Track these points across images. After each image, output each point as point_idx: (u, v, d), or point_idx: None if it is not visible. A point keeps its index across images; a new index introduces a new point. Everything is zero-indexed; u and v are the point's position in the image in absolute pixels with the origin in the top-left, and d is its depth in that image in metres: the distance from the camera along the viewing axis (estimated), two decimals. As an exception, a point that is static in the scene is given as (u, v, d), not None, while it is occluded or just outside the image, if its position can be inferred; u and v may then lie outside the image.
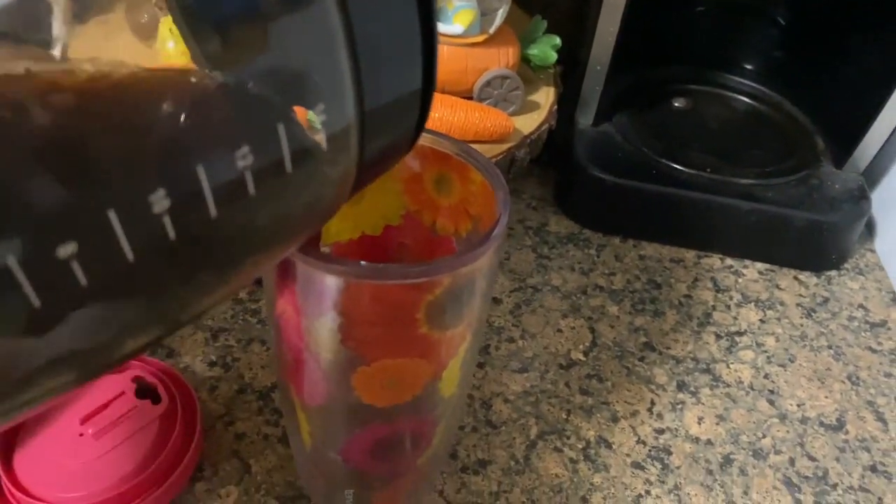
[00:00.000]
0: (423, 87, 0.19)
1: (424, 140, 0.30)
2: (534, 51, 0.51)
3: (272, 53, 0.15)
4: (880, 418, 0.43)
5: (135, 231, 0.13)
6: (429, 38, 0.18)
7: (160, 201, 0.13)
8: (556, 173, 0.57)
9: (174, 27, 0.14)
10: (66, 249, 0.12)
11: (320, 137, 0.16)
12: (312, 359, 0.27)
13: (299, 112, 0.16)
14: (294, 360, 0.28)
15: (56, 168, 0.12)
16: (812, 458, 0.40)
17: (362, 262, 0.23)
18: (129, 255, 0.13)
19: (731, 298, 0.50)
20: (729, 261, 0.53)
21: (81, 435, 0.35)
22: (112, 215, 0.12)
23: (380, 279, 0.23)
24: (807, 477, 0.39)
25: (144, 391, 0.37)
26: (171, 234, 0.13)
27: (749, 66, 0.62)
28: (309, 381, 0.28)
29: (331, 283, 0.24)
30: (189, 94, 0.15)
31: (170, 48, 0.15)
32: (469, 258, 0.24)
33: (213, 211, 0.14)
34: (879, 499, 0.39)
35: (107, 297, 0.13)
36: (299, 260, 0.23)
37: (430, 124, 0.51)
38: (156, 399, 0.37)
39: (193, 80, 0.15)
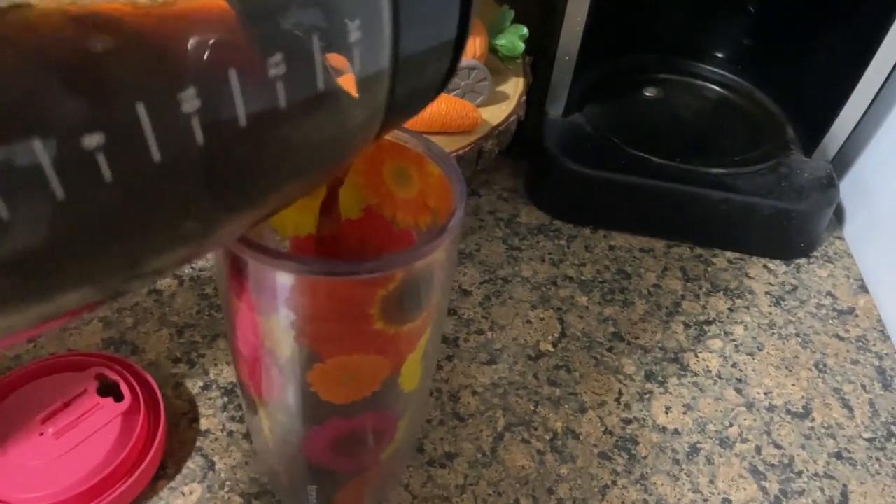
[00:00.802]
0: (457, 36, 0.19)
1: (382, 133, 0.29)
2: (501, 41, 0.51)
3: None
4: (846, 405, 0.43)
5: (163, 128, 0.13)
6: None
7: (190, 100, 0.13)
8: (527, 165, 0.57)
9: None
10: (93, 140, 0.12)
11: (354, 73, 0.16)
12: (268, 356, 0.27)
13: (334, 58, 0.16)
14: (251, 357, 0.28)
15: (85, 61, 0.12)
16: (778, 446, 0.41)
17: (312, 258, 0.23)
18: (156, 155, 0.13)
19: (700, 288, 0.50)
20: (699, 250, 0.53)
21: (41, 434, 0.34)
22: (140, 109, 0.12)
23: (330, 275, 0.23)
24: (773, 465, 0.40)
25: (107, 389, 0.37)
26: (199, 137, 0.13)
27: (719, 55, 0.62)
28: (266, 379, 0.28)
29: (282, 280, 0.23)
30: (224, 16, 0.15)
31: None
32: (422, 252, 0.24)
33: (242, 119, 0.14)
34: (844, 485, 0.39)
35: (131, 198, 0.13)
36: (250, 257, 0.23)
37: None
38: (118, 397, 0.36)
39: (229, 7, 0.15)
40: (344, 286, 0.24)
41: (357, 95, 0.17)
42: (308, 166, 0.18)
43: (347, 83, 0.17)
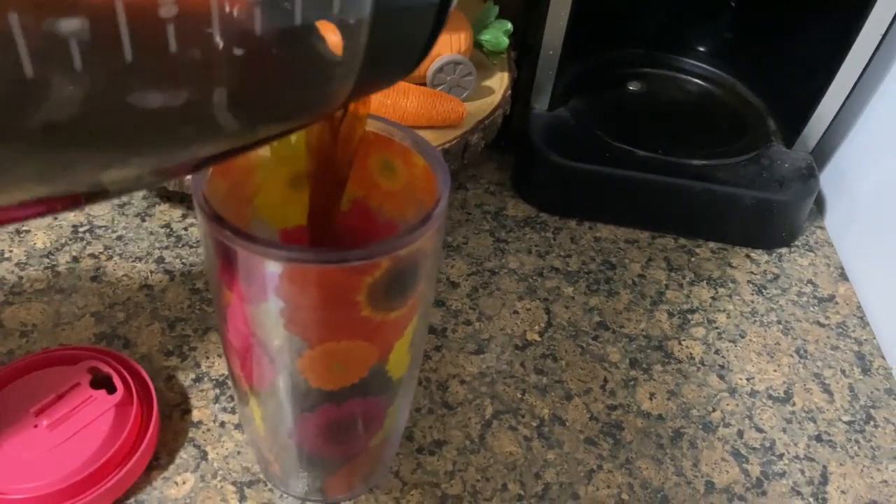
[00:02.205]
0: (440, 5, 0.19)
1: (368, 126, 0.30)
2: (486, 36, 0.51)
3: None
4: (826, 390, 0.44)
5: (137, 29, 0.13)
6: None
7: (168, 6, 0.13)
8: (513, 158, 0.58)
9: None
10: (69, 25, 0.12)
11: (333, 15, 0.16)
12: (259, 345, 0.27)
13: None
14: (242, 347, 0.28)
15: None
16: (760, 430, 0.42)
17: (300, 247, 0.24)
18: (128, 54, 0.13)
19: (683, 277, 0.51)
20: (682, 240, 0.54)
21: (36, 427, 0.35)
22: (118, 3, 0.12)
23: (317, 263, 0.24)
24: (754, 448, 0.41)
25: (100, 381, 0.37)
26: (173, 45, 0.13)
27: (701, 49, 0.63)
28: (257, 368, 0.29)
29: (271, 268, 0.24)
30: None
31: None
32: (406, 240, 0.25)
33: (218, 38, 0.14)
34: (824, 467, 0.40)
35: (98, 94, 0.13)
36: (240, 246, 0.24)
37: (381, 110, 0.51)
38: (111, 389, 0.37)
39: None
40: (331, 274, 0.24)
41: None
42: (274, 106, 0.18)
43: (326, 28, 0.17)
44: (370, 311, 0.26)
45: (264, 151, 0.30)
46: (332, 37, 0.18)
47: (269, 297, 0.25)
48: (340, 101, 0.20)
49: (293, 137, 0.30)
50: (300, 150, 0.30)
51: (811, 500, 0.38)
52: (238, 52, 0.15)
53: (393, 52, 0.19)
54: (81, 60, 0.12)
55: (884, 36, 0.49)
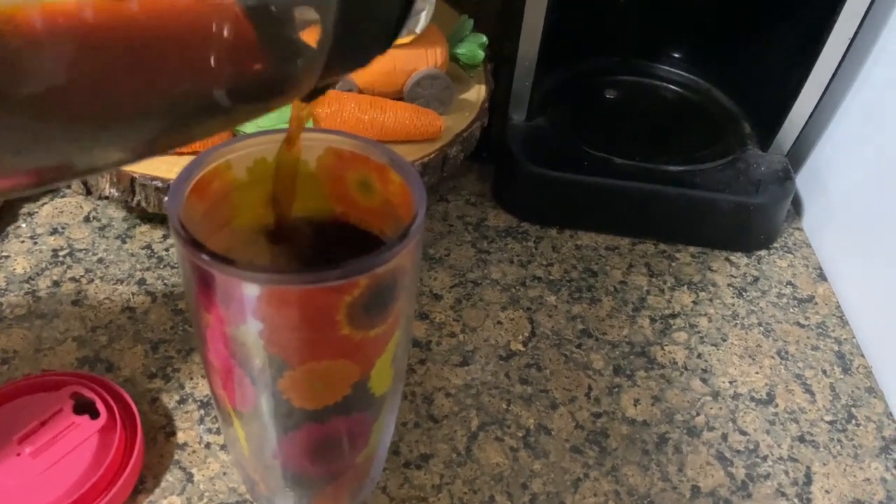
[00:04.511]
0: None
1: (344, 144, 0.30)
2: (462, 50, 0.52)
3: None
4: (808, 390, 0.45)
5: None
6: None
7: None
8: (493, 169, 0.58)
9: None
10: None
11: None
12: (240, 366, 0.27)
13: None
14: (223, 368, 0.28)
15: None
16: (743, 433, 0.42)
17: (278, 267, 0.24)
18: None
19: (664, 283, 0.51)
20: (662, 246, 0.54)
21: (19, 455, 0.35)
22: None
23: (295, 284, 0.24)
24: (738, 451, 0.41)
25: (83, 407, 0.37)
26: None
27: (676, 55, 0.64)
28: (239, 389, 0.29)
29: (248, 291, 0.24)
30: None
31: None
32: (384, 258, 0.25)
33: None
34: (807, 467, 0.40)
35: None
36: (216, 270, 0.24)
37: (359, 125, 0.51)
38: (94, 414, 0.37)
39: None
40: (310, 294, 0.24)
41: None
42: (244, 82, 0.18)
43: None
44: (350, 330, 0.26)
45: (241, 174, 0.30)
46: (306, 13, 0.18)
47: (247, 318, 0.25)
48: (311, 81, 0.20)
49: (269, 158, 0.30)
50: (277, 170, 0.30)
51: (796, 500, 0.39)
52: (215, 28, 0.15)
53: (364, 28, 0.19)
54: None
55: (852, 39, 0.50)
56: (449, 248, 0.52)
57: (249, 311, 0.25)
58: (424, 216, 0.27)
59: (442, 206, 0.56)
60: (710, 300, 0.50)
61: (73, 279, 0.46)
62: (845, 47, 0.50)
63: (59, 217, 0.51)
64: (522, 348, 0.45)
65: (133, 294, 0.46)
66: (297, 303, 0.25)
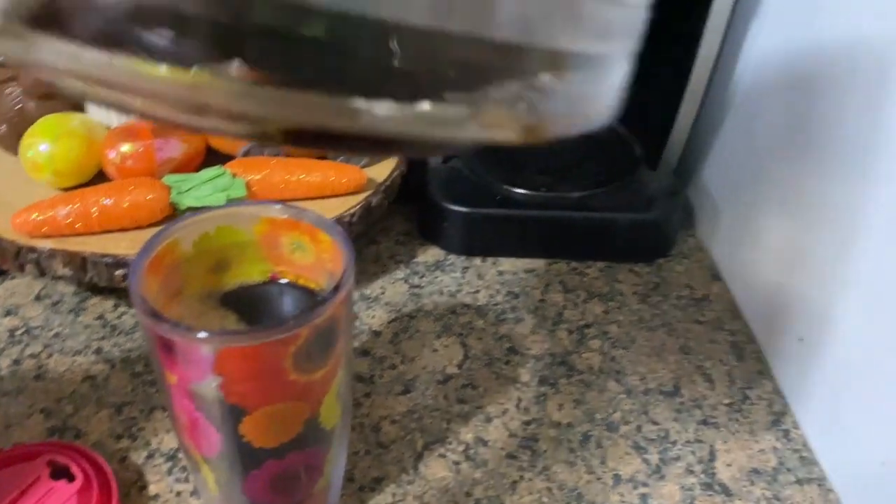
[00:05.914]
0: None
1: (275, 212, 0.35)
2: (375, 107, 0.57)
3: None
4: (708, 379, 0.51)
5: None
6: None
7: None
8: (417, 209, 0.64)
9: None
10: None
11: None
12: (203, 417, 0.32)
13: None
14: (188, 420, 0.33)
15: None
16: (655, 423, 0.48)
17: (230, 330, 0.28)
18: None
19: (578, 297, 0.57)
20: (574, 264, 0.60)
21: (2, 524, 0.38)
22: None
23: (246, 342, 0.28)
24: (652, 439, 0.47)
25: (59, 472, 0.40)
26: None
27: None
28: (204, 437, 0.33)
29: (206, 351, 0.29)
30: None
31: None
32: (319, 311, 0.30)
33: None
34: (711, 446, 0.46)
35: None
36: (177, 336, 0.28)
37: (289, 186, 0.56)
38: (71, 478, 0.40)
39: None
40: (259, 349, 0.29)
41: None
42: None
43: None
44: (297, 375, 0.31)
45: (188, 248, 0.34)
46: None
47: (207, 375, 0.30)
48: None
49: (211, 232, 0.34)
50: (219, 242, 0.35)
51: (702, 476, 0.45)
52: None
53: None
54: None
55: (716, 61, 0.57)
56: (384, 286, 0.57)
57: (208, 368, 0.29)
58: (353, 269, 0.32)
59: (373, 249, 0.61)
60: (619, 308, 0.56)
61: (31, 356, 0.49)
62: (710, 69, 0.57)
63: (11, 298, 0.54)
64: (458, 371, 0.50)
65: (91, 363, 0.49)
66: (248, 357, 0.29)
